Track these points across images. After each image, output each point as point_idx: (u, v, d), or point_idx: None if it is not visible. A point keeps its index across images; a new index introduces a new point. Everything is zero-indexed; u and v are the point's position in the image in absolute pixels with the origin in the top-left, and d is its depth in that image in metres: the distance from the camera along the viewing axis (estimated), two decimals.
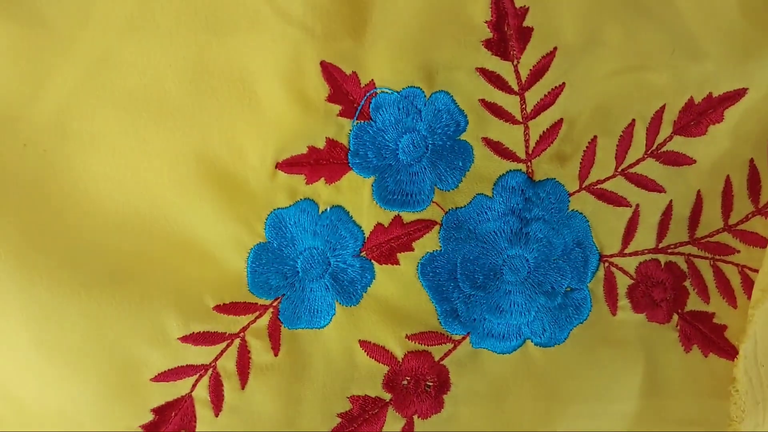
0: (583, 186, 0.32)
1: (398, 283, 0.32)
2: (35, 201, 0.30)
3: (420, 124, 0.31)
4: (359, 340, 0.32)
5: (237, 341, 0.31)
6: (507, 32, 0.30)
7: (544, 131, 0.31)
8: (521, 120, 0.31)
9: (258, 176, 0.31)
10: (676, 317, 0.33)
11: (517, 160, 0.32)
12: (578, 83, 0.31)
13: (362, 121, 0.31)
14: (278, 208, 0.31)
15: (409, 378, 0.32)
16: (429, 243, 0.32)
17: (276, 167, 0.31)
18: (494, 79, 0.31)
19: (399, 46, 0.30)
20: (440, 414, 0.32)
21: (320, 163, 0.31)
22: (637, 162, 0.32)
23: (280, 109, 0.30)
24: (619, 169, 0.32)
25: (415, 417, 0.32)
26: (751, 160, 0.33)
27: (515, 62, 0.30)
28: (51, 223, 0.30)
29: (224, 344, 0.31)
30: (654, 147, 0.32)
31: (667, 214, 0.33)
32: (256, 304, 0.31)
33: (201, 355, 0.31)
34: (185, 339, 0.30)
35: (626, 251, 0.33)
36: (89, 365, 0.30)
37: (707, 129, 0.32)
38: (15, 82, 0.29)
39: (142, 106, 0.30)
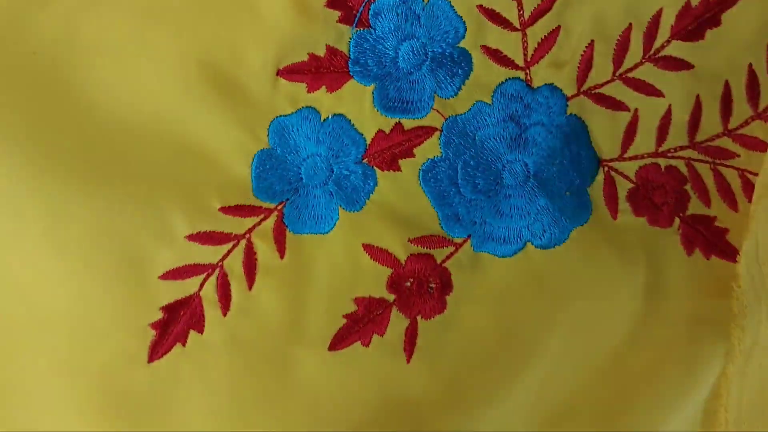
0: (581, 90, 0.32)
1: (400, 189, 0.32)
2: (45, 105, 0.30)
3: (419, 31, 0.31)
4: (363, 244, 0.32)
5: (243, 242, 0.32)
6: None
7: (542, 38, 0.32)
8: (519, 27, 0.32)
9: (260, 83, 0.31)
10: (677, 221, 0.33)
11: (516, 67, 0.32)
12: None
13: (362, 29, 0.31)
14: (281, 116, 0.32)
15: (412, 279, 0.32)
16: (430, 149, 0.32)
17: (277, 74, 0.31)
18: None
19: None
20: (443, 314, 0.32)
21: (321, 71, 0.32)
22: (635, 66, 0.32)
23: (279, 15, 0.31)
24: (617, 74, 0.32)
25: (419, 317, 0.32)
26: (750, 65, 0.33)
27: None
28: (60, 126, 0.30)
29: (230, 245, 0.32)
30: (652, 52, 0.32)
31: (666, 118, 0.33)
32: (261, 207, 0.32)
33: (208, 254, 0.31)
34: (192, 237, 0.31)
35: (626, 155, 0.33)
36: (99, 260, 0.30)
37: (705, 34, 0.32)
38: None
39: (146, 12, 0.30)
